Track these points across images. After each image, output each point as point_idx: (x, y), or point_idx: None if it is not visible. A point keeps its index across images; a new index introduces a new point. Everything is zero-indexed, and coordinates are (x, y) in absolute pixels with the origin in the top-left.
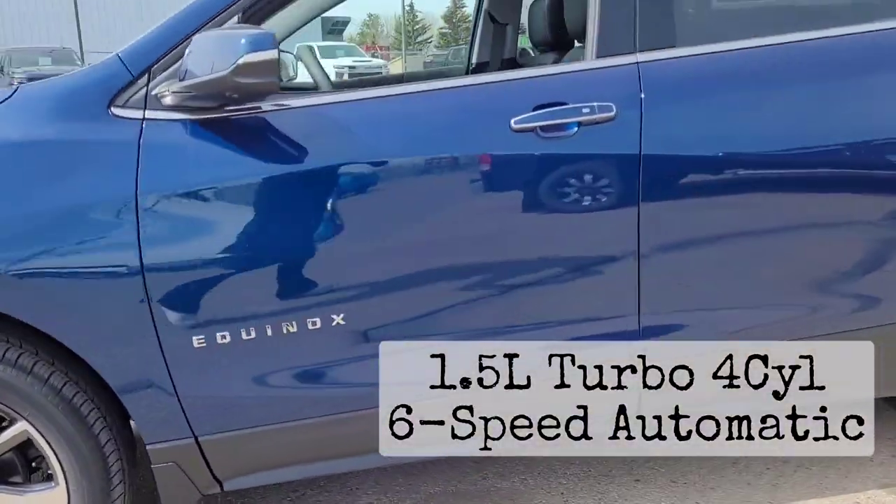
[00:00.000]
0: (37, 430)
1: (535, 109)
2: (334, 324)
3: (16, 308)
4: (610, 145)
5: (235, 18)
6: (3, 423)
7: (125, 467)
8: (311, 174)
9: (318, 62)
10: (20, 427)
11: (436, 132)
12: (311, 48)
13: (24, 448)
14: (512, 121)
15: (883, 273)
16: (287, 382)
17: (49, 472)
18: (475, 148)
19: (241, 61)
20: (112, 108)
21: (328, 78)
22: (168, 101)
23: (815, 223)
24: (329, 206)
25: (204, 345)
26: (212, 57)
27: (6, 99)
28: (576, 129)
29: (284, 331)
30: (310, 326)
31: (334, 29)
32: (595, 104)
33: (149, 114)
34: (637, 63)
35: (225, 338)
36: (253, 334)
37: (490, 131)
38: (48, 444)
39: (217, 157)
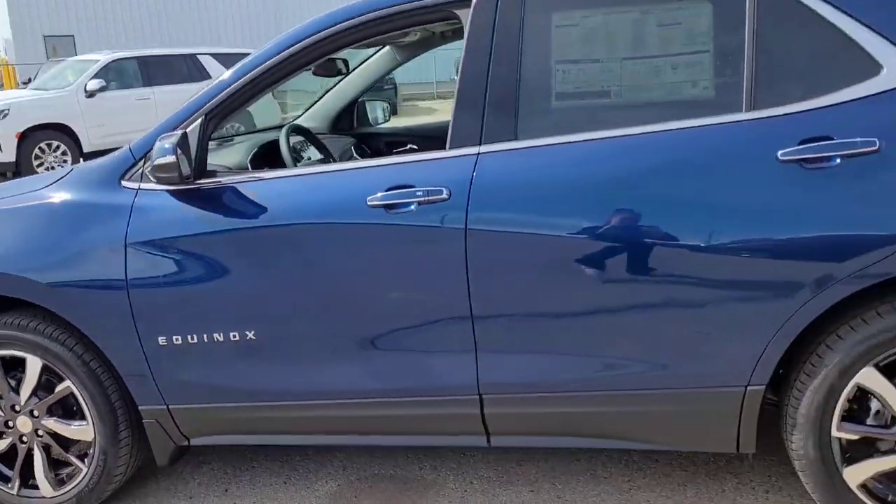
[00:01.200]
0: (75, 386)
1: (387, 190)
2: (248, 338)
3: (59, 308)
4: (441, 220)
5: (199, 120)
6: (55, 381)
7: (129, 418)
8: (227, 231)
9: (287, 143)
10: (66, 384)
11: (316, 204)
12: (288, 130)
13: (70, 398)
14: (364, 200)
15: (671, 340)
16: (218, 376)
17: (84, 414)
18: (340, 217)
19: (154, 162)
20: (122, 181)
21: (290, 156)
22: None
23: (605, 294)
24: (235, 253)
25: (165, 343)
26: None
27: (68, 173)
28: (413, 207)
29: (215, 339)
30: (232, 338)
31: None
32: (429, 188)
33: (142, 185)
34: (478, 154)
35: (177, 340)
36: (195, 339)
37: (350, 209)
38: (82, 396)
39: (175, 216)
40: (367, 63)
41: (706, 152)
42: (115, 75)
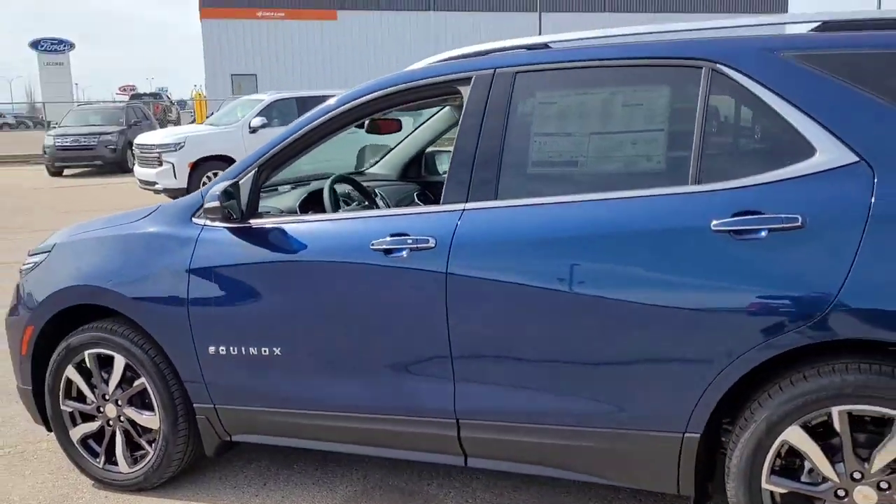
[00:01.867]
0: (148, 383)
1: (388, 236)
2: (275, 353)
3: (138, 317)
4: (426, 265)
5: (253, 172)
6: (134, 377)
7: (187, 413)
8: (263, 262)
9: (330, 190)
10: (141, 380)
11: (333, 244)
12: (332, 180)
13: (145, 393)
14: (368, 244)
15: (622, 386)
16: (252, 383)
17: (153, 406)
18: (349, 257)
19: (205, 205)
20: (192, 218)
21: (329, 202)
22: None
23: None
24: (267, 282)
25: (213, 353)
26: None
27: (155, 210)
28: (405, 253)
29: (250, 352)
30: (263, 353)
31: None
32: (418, 237)
33: (207, 223)
34: (463, 209)
35: (223, 350)
36: (235, 351)
37: (356, 250)
38: (152, 391)
39: (227, 249)
40: (432, 119)
41: (653, 219)
42: (277, 113)
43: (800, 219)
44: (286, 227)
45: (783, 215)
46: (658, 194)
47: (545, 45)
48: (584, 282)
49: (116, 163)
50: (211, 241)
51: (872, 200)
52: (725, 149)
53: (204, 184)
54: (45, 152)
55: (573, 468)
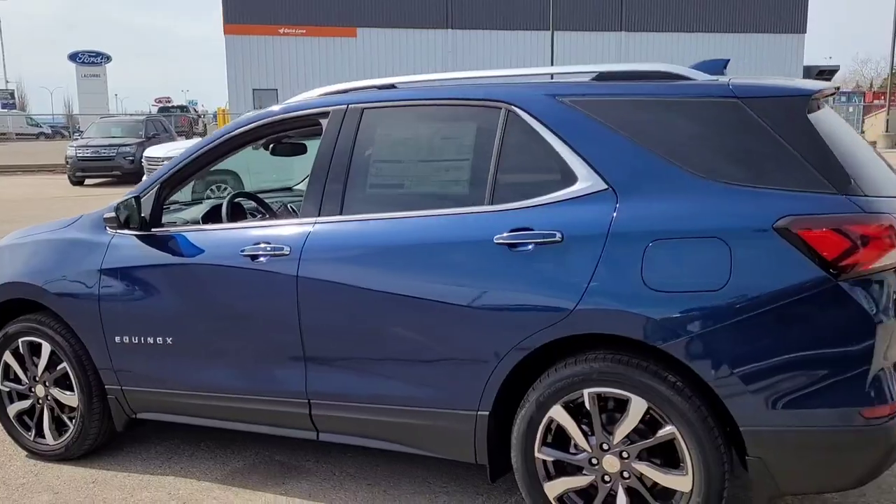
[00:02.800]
0: (67, 367)
1: (254, 244)
2: (168, 343)
3: (60, 310)
4: (282, 269)
5: (156, 188)
6: (58, 362)
7: (101, 394)
8: (157, 265)
9: (227, 205)
10: (63, 365)
11: (212, 250)
12: (231, 196)
13: (67, 377)
14: (239, 250)
15: (432, 371)
16: (150, 369)
17: (73, 387)
18: (224, 261)
19: (104, 215)
20: (107, 227)
21: (225, 215)
22: None
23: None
24: (158, 281)
25: (119, 341)
26: None
27: (79, 218)
28: (265, 258)
29: (151, 342)
30: (158, 342)
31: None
32: (276, 245)
33: (118, 231)
34: (314, 222)
35: (126, 340)
36: (136, 340)
37: (230, 256)
38: (71, 374)
39: (130, 253)
40: None
41: (456, 233)
42: None
43: (558, 234)
44: (181, 235)
45: (546, 231)
46: (461, 212)
47: (392, 86)
48: (403, 285)
49: (134, 173)
50: (120, 245)
51: (612, 220)
52: (514, 176)
53: (208, 197)
54: (67, 162)
55: (403, 442)
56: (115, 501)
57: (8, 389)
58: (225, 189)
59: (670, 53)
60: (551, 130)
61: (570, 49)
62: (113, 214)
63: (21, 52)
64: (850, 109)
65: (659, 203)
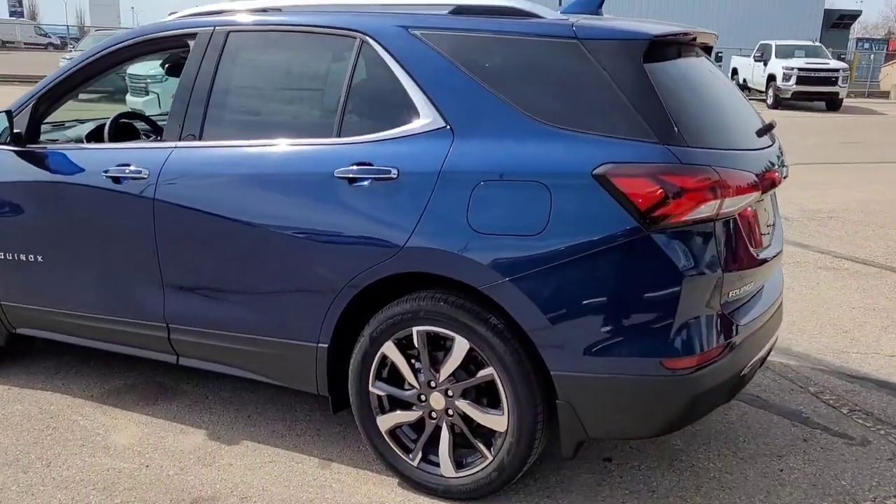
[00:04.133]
0: None
1: (116, 166)
2: (38, 260)
3: None
4: (140, 191)
5: (32, 104)
6: None
7: None
8: (30, 182)
9: (112, 124)
10: None
11: (80, 170)
12: (117, 115)
13: None
14: (103, 171)
15: (276, 302)
16: (25, 285)
17: None
18: (89, 181)
19: None
20: None
21: (108, 134)
22: None
23: (231, 260)
24: (32, 199)
25: None
26: None
27: None
28: (126, 181)
29: (23, 259)
30: (30, 259)
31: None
32: (136, 168)
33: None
34: (174, 146)
35: (2, 256)
36: (11, 257)
37: (95, 176)
38: None
39: (8, 167)
40: None
41: (301, 165)
42: None
43: (394, 171)
44: (55, 153)
45: (383, 167)
46: (308, 143)
47: (278, 9)
48: (250, 214)
49: (122, 90)
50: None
51: (445, 159)
52: (361, 109)
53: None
54: None
55: (254, 370)
56: None
57: None
58: None
59: None
60: (399, 64)
61: None
62: None
63: None
64: (872, 57)
65: (491, 144)
